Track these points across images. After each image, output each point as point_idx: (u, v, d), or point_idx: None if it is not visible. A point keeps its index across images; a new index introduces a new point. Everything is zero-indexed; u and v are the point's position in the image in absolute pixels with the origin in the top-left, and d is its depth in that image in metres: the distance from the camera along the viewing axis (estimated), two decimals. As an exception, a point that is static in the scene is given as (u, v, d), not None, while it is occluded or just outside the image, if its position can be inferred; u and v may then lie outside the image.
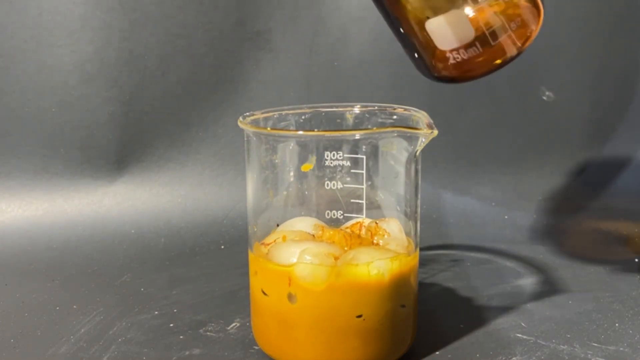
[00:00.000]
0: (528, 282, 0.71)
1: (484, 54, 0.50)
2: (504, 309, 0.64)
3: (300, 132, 0.53)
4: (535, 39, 0.97)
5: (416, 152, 0.53)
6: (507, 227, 0.88)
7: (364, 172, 0.55)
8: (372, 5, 0.51)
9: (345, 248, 0.53)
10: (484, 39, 0.50)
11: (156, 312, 0.65)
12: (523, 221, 0.89)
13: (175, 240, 0.84)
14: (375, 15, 0.91)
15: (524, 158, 0.99)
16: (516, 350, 0.57)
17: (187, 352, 0.58)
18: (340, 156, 0.55)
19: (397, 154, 0.54)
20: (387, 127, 0.55)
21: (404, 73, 0.95)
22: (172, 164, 0.92)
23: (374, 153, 0.55)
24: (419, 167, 0.55)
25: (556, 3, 0.96)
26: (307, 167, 0.53)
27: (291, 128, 0.58)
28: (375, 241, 0.54)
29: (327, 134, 0.54)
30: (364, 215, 0.56)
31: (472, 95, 0.98)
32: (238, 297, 0.68)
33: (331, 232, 0.55)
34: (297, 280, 0.51)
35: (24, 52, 0.87)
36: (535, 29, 0.51)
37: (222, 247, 0.83)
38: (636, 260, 0.76)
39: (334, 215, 0.58)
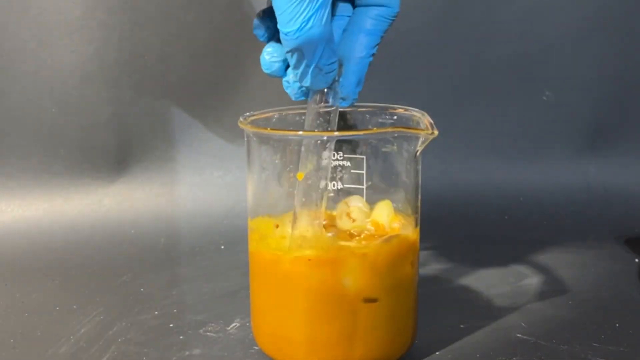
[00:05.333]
0: (529, 282, 0.71)
1: None
2: (504, 309, 0.64)
3: (301, 132, 0.53)
4: (536, 39, 0.97)
5: (417, 153, 0.53)
6: (507, 227, 0.88)
7: (364, 172, 0.55)
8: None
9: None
10: None
11: (156, 312, 0.65)
12: (524, 221, 0.89)
13: (175, 240, 0.84)
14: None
15: (524, 158, 0.99)
16: (516, 350, 0.57)
17: (187, 352, 0.58)
18: (340, 156, 0.55)
19: (397, 154, 0.54)
20: (388, 127, 0.55)
21: (404, 73, 0.95)
22: (172, 164, 0.92)
23: (374, 153, 0.55)
24: (419, 167, 0.55)
25: (556, 3, 0.96)
26: (302, 175, 0.54)
27: (291, 128, 0.58)
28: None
29: (328, 134, 0.54)
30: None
31: (472, 95, 0.98)
32: (238, 297, 0.68)
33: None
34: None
35: (24, 52, 0.87)
36: None
37: (222, 247, 0.83)
38: (636, 260, 0.76)
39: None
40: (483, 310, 0.64)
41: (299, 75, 0.50)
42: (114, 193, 0.90)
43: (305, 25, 0.47)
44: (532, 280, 0.71)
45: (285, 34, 0.47)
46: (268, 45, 0.54)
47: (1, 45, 0.86)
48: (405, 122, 0.56)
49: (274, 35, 0.53)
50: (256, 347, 0.58)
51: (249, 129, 0.53)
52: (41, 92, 0.88)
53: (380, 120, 0.57)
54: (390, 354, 0.55)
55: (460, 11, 0.95)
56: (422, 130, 0.51)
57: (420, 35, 0.94)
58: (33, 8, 0.86)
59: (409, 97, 0.94)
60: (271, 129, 0.54)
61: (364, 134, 0.54)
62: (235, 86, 0.92)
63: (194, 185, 0.92)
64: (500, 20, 0.96)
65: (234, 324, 0.62)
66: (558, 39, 0.97)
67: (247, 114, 0.55)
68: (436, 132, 0.51)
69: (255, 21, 0.53)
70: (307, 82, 0.50)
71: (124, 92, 0.89)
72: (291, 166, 0.54)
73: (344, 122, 0.59)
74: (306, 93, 0.53)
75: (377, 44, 0.54)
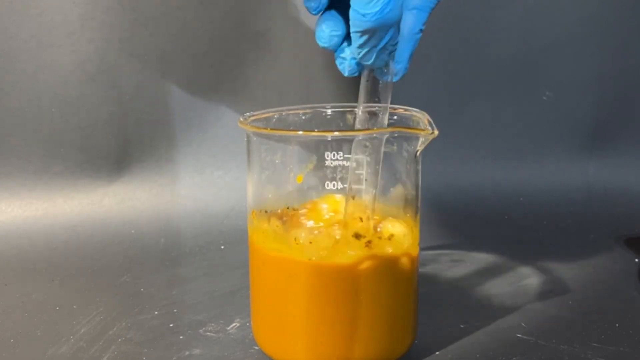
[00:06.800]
0: (529, 282, 0.71)
1: None
2: (504, 309, 0.64)
3: (301, 132, 0.53)
4: (536, 39, 0.97)
5: (417, 153, 0.53)
6: (507, 227, 0.88)
7: (364, 172, 0.55)
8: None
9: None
10: None
11: (156, 312, 0.65)
12: (524, 221, 0.89)
13: (175, 240, 0.84)
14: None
15: (524, 158, 0.99)
16: (516, 351, 0.57)
17: (187, 352, 0.58)
18: (340, 156, 0.55)
19: (397, 154, 0.54)
20: (388, 127, 0.55)
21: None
22: (172, 164, 0.92)
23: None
24: (419, 167, 0.55)
25: (557, 3, 0.96)
26: (301, 178, 0.53)
27: (291, 128, 0.58)
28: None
29: (328, 134, 0.54)
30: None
31: (472, 96, 0.98)
32: (238, 297, 0.68)
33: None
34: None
35: (24, 52, 0.86)
36: None
37: (222, 247, 0.83)
38: (636, 260, 0.76)
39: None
40: (483, 310, 0.64)
41: (362, 54, 0.49)
42: (114, 193, 0.90)
43: (385, 8, 0.46)
44: (532, 281, 0.71)
45: (363, 15, 0.46)
46: (325, 17, 0.52)
47: (1, 45, 0.86)
48: (405, 122, 0.56)
49: (326, 8, 0.52)
50: (256, 347, 0.58)
51: (249, 129, 0.53)
52: (41, 92, 0.88)
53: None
54: (390, 354, 0.55)
55: (460, 11, 0.95)
56: (422, 130, 0.51)
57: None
58: (33, 8, 0.86)
59: (409, 97, 0.95)
60: (271, 129, 0.54)
61: (365, 134, 0.53)
62: (235, 86, 0.92)
63: (194, 185, 0.92)
64: (500, 20, 0.96)
65: (234, 324, 0.62)
66: (558, 39, 0.97)
67: (247, 114, 0.55)
68: (436, 132, 0.51)
69: None
70: (368, 60, 0.50)
71: (124, 92, 0.89)
72: (291, 166, 0.54)
73: (345, 121, 0.59)
74: (360, 68, 0.53)
75: (426, 21, 0.53)
